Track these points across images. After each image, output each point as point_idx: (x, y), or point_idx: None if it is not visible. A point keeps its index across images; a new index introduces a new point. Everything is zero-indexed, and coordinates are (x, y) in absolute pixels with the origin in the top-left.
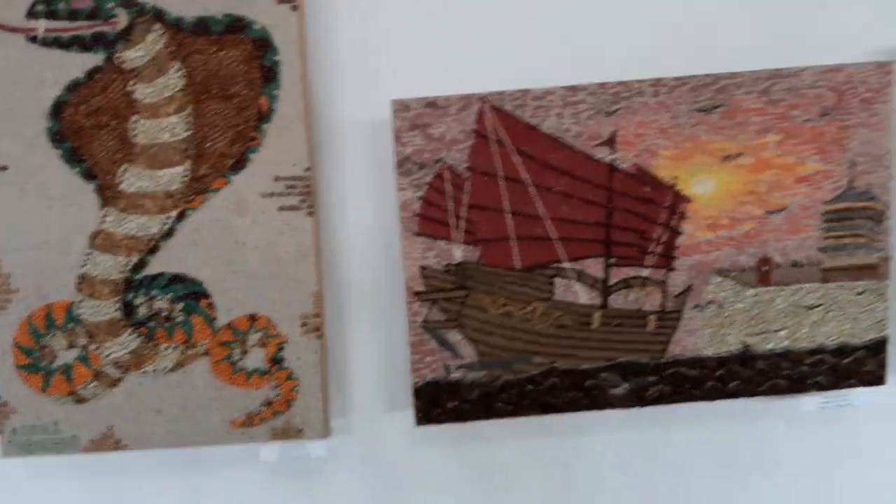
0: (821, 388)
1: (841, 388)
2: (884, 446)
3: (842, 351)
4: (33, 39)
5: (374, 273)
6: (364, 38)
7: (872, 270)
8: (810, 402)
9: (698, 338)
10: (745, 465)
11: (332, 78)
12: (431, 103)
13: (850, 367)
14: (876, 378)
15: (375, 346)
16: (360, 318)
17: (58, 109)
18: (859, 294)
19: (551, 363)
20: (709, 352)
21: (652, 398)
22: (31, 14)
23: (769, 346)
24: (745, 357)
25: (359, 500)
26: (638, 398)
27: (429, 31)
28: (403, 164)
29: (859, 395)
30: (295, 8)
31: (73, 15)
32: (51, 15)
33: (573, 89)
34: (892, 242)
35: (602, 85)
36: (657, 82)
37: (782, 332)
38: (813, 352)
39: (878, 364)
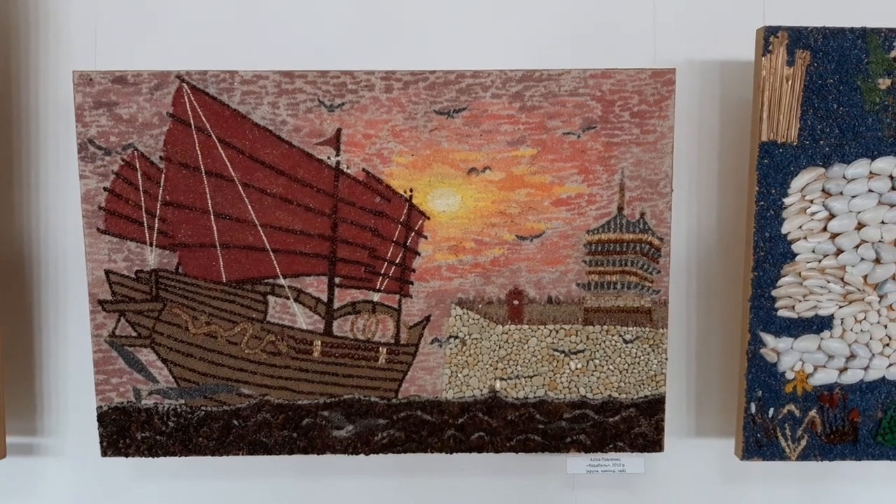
0: (583, 448)
1: (607, 450)
2: None
3: (608, 407)
4: None
5: (56, 275)
6: (54, 5)
7: (645, 315)
8: (576, 464)
9: (437, 377)
10: None
11: (14, 49)
12: (120, 78)
13: (619, 426)
14: (650, 443)
15: (63, 359)
16: (46, 325)
17: None
18: (629, 342)
19: (262, 396)
20: (449, 394)
21: (381, 444)
22: None
23: (521, 395)
24: (493, 404)
25: None
26: (365, 443)
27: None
28: (86, 148)
29: (632, 460)
30: None
31: None
32: None
33: (289, 75)
34: (670, 284)
35: (324, 73)
36: (389, 75)
37: (536, 379)
38: (574, 405)
39: (653, 427)
